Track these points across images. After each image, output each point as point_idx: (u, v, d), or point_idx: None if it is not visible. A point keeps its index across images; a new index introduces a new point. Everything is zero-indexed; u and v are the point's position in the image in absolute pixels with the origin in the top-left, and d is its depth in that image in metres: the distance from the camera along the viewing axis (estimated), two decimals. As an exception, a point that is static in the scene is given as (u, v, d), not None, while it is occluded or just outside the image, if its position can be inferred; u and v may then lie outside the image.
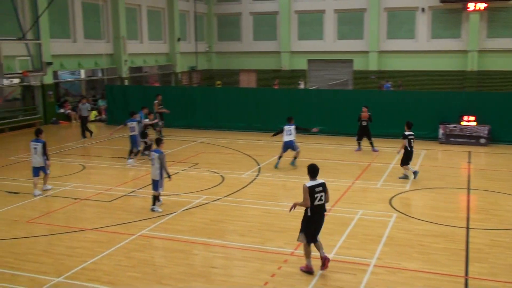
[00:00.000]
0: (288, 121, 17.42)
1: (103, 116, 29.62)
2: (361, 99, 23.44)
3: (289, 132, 17.11)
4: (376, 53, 39.74)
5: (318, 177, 9.23)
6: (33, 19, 24.48)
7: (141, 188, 14.93)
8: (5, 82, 25.35)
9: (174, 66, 39.80)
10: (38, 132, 14.73)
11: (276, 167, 17.25)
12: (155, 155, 12.75)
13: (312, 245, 9.31)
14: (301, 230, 9.26)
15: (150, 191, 14.04)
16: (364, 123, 19.86)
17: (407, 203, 13.61)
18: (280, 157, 17.40)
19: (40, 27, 23.64)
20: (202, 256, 10.21)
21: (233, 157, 19.26)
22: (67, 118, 29.27)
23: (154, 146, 13.54)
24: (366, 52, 40.03)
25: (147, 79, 38.52)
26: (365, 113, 19.77)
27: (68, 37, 30.26)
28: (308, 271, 9.25)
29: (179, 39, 39.62)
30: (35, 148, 14.41)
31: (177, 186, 14.82)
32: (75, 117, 29.38)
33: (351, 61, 40.88)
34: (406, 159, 15.86)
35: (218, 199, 13.81)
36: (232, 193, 14.43)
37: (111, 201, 13.80)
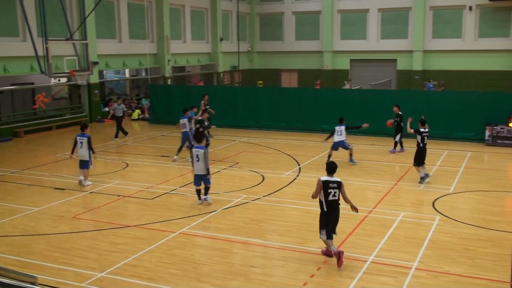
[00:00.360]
0: (340, 122, 17.82)
1: (146, 115, 30.12)
2: (405, 99, 23.08)
3: (340, 133, 17.53)
4: (421, 52, 38.99)
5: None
6: (80, 20, 25.10)
7: (182, 186, 15.11)
8: (53, 81, 26.06)
9: (216, 66, 40.10)
10: (83, 127, 15.53)
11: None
12: (199, 151, 13.04)
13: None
14: (321, 227, 9.73)
15: (191, 189, 14.26)
16: (395, 122, 19.68)
17: (451, 206, 13.28)
18: (329, 156, 17.72)
19: (87, 28, 24.20)
20: (241, 255, 10.25)
21: (273, 157, 19.25)
22: (112, 116, 29.85)
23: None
24: (411, 51, 39.33)
25: (189, 79, 38.95)
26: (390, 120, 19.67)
27: (114, 37, 30.93)
28: (328, 254, 9.80)
29: (221, 39, 39.88)
30: (81, 142, 15.19)
31: (218, 185, 14.92)
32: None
33: (394, 60, 40.24)
34: (418, 158, 15.27)
35: (258, 199, 13.83)
36: (272, 193, 14.43)
37: (153, 198, 14.01)
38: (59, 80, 26.82)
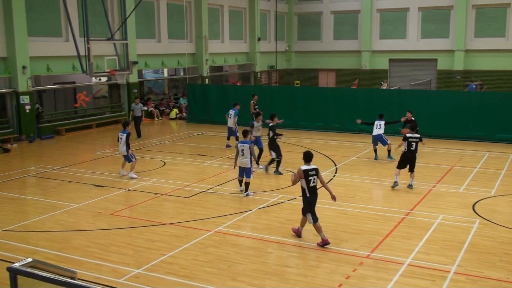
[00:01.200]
0: (379, 117, 18.40)
1: (184, 114, 30.43)
2: (445, 100, 22.70)
3: (379, 126, 18.12)
4: (462, 52, 38.11)
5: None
6: (121, 20, 25.53)
7: (218, 185, 15.19)
8: (94, 80, 26.60)
9: (254, 66, 40.18)
10: (125, 124, 16.52)
11: (375, 159, 18.30)
12: (245, 146, 13.95)
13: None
14: (307, 212, 10.57)
15: (227, 188, 14.40)
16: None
17: (492, 209, 12.94)
18: (375, 150, 18.40)
19: (127, 28, 24.60)
20: (276, 254, 10.24)
21: (310, 157, 19.13)
22: (150, 115, 30.33)
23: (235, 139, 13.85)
24: (452, 51, 38.49)
25: (226, 78, 39.18)
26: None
27: (153, 37, 31.38)
28: (325, 243, 10.36)
29: (259, 39, 39.94)
30: (121, 138, 16.10)
31: (254, 185, 14.93)
32: (157, 114, 30.41)
33: (435, 60, 39.49)
34: (401, 161, 14.69)
35: (293, 199, 13.78)
36: (308, 193, 14.34)
37: (189, 197, 14.14)
38: (99, 79, 27.40)
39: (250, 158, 14.01)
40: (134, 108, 23.75)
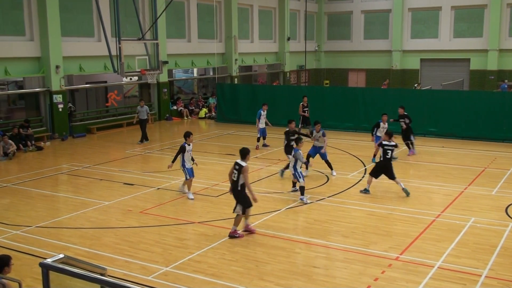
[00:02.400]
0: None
1: (213, 114, 30.58)
2: (477, 100, 22.29)
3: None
4: (496, 51, 37.32)
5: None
6: (152, 20, 25.80)
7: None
8: (125, 80, 26.94)
9: (283, 65, 40.14)
10: (184, 135, 14.47)
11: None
12: (293, 152, 13.74)
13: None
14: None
15: (255, 188, 14.28)
16: (402, 123, 18.86)
17: (525, 213, 12.66)
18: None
19: (158, 28, 24.87)
20: (304, 255, 10.21)
21: (339, 158, 19.03)
22: (180, 115, 30.57)
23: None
24: (485, 50, 37.74)
25: (255, 78, 39.21)
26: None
27: (183, 37, 31.62)
28: (233, 235, 11.01)
29: (289, 38, 39.87)
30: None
31: (283, 185, 14.93)
32: (187, 114, 30.63)
33: (467, 60, 38.77)
34: (375, 170, 14.19)
35: (322, 199, 13.73)
36: (337, 194, 14.28)
37: (217, 196, 14.20)
38: (130, 79, 27.74)
39: (294, 165, 13.52)
40: (139, 110, 22.83)
